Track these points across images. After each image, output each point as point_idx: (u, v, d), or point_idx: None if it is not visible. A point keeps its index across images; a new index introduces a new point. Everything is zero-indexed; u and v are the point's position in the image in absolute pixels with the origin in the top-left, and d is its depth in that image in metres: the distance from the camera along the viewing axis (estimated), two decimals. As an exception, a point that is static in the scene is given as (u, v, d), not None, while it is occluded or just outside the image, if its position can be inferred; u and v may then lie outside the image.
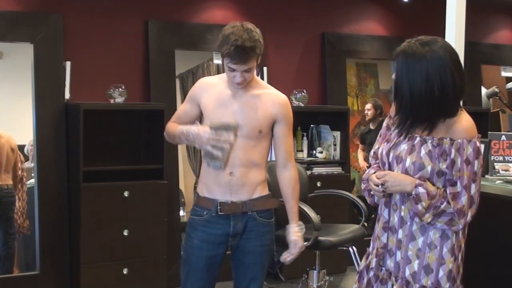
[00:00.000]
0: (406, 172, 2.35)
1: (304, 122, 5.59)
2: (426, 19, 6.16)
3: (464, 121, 2.34)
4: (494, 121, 6.40)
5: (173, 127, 2.95)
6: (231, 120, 2.77)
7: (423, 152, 2.33)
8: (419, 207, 2.29)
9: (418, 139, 2.36)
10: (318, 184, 5.25)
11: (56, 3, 4.78)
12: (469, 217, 2.32)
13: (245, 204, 2.88)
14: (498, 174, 3.56)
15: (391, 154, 2.42)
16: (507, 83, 6.18)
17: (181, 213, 5.19)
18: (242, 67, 2.77)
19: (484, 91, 6.35)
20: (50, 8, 4.74)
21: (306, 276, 4.29)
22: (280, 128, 2.92)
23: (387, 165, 2.42)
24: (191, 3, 5.29)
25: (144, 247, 4.67)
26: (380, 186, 2.38)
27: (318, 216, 3.92)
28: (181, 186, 5.28)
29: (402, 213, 2.39)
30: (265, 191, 2.95)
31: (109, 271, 4.57)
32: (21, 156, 4.79)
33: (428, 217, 2.31)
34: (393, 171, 2.40)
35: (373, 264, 2.49)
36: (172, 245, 4.68)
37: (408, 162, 2.35)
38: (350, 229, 4.23)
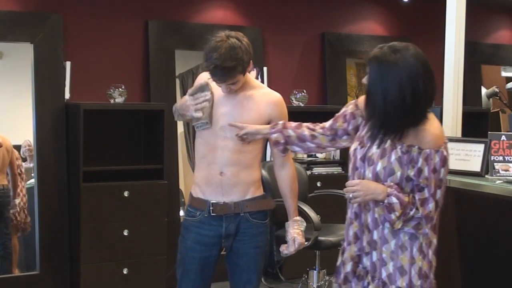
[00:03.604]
0: (376, 175, 2.41)
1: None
2: (426, 19, 6.17)
3: (433, 128, 2.38)
4: (494, 121, 6.40)
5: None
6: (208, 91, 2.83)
7: (393, 157, 2.38)
8: (392, 216, 2.36)
9: (389, 142, 2.40)
10: (318, 184, 5.25)
11: (56, 3, 4.78)
12: (434, 221, 2.41)
13: (238, 205, 2.87)
14: (498, 174, 3.56)
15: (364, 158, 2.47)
16: (507, 83, 6.18)
17: (181, 213, 5.18)
18: (225, 83, 2.77)
19: (484, 91, 6.35)
20: (50, 8, 4.74)
21: (306, 276, 4.29)
22: None
23: (359, 169, 2.47)
24: (191, 3, 5.30)
25: (144, 247, 4.67)
26: (350, 194, 2.45)
27: (318, 216, 3.92)
28: (181, 186, 5.28)
29: (376, 215, 2.45)
30: (259, 192, 2.93)
31: (109, 271, 4.57)
32: (17, 153, 4.79)
33: (398, 224, 2.38)
34: (364, 172, 2.45)
35: (349, 260, 2.54)
36: (172, 245, 4.66)
37: (379, 166, 2.40)
38: (350, 229, 4.22)
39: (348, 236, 2.56)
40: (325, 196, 4.72)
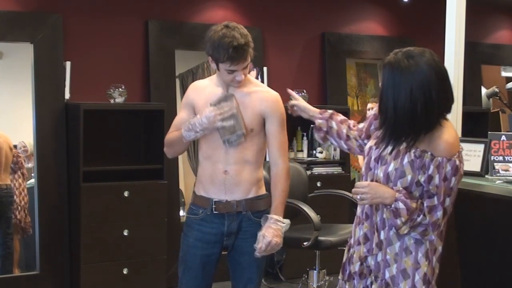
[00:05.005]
0: (387, 176, 2.39)
1: (304, 122, 5.52)
2: (426, 19, 6.17)
3: (448, 136, 2.35)
4: (494, 121, 6.40)
5: (172, 134, 2.99)
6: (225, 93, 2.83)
7: (406, 160, 2.36)
8: (398, 221, 2.35)
9: (404, 144, 2.38)
10: (318, 184, 5.25)
11: (56, 3, 4.78)
12: (441, 228, 2.40)
13: (240, 203, 2.88)
14: (498, 174, 3.56)
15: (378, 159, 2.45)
16: (507, 83, 6.17)
17: (181, 213, 5.19)
18: (242, 65, 2.78)
19: (484, 91, 6.35)
20: (50, 8, 4.74)
21: (306, 276, 4.29)
22: (270, 125, 2.90)
23: (372, 170, 2.45)
24: (191, 3, 5.29)
25: (144, 247, 4.67)
26: (358, 196, 2.41)
27: (318, 216, 3.92)
28: (181, 186, 5.28)
29: (384, 215, 2.42)
30: (261, 191, 2.94)
31: (109, 271, 4.57)
32: (21, 154, 4.80)
33: (404, 229, 2.37)
34: (375, 172, 2.43)
35: (357, 260, 2.52)
36: (172, 245, 4.68)
37: (391, 167, 2.38)
38: (350, 229, 4.20)
39: (356, 235, 2.53)
40: (325, 196, 4.72)
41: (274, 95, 2.94)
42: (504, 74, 6.89)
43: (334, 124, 2.75)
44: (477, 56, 6.51)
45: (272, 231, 2.82)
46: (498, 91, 5.44)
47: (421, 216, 2.34)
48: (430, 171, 2.32)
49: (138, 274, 4.66)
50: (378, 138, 2.46)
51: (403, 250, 2.40)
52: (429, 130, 2.34)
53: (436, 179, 2.32)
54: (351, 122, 2.76)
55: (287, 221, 2.89)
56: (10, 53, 4.79)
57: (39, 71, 4.62)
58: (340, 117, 2.78)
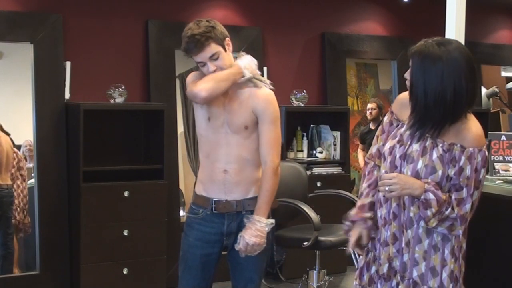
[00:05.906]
0: (416, 173, 2.35)
1: (304, 122, 5.58)
2: (426, 19, 6.17)
3: (474, 127, 2.36)
4: (494, 121, 6.40)
5: (217, 74, 2.84)
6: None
7: (434, 155, 2.33)
8: (428, 212, 2.31)
9: (429, 140, 2.35)
10: (318, 184, 5.25)
11: (56, 3, 4.78)
12: (467, 223, 2.37)
13: (240, 203, 2.88)
14: (498, 174, 3.56)
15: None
16: (507, 83, 6.18)
17: (181, 213, 5.19)
18: (203, 55, 2.80)
19: (484, 91, 6.35)
20: (50, 8, 4.74)
21: (306, 276, 4.29)
22: (260, 123, 2.88)
23: (399, 168, 2.40)
24: (191, 3, 5.30)
25: (144, 247, 4.67)
26: (386, 187, 2.35)
27: (318, 216, 3.92)
28: (181, 186, 5.28)
29: (411, 214, 2.39)
30: None
31: (109, 271, 4.57)
32: (20, 154, 4.80)
33: (433, 222, 2.32)
34: (403, 171, 2.39)
35: (382, 259, 2.47)
36: (172, 245, 4.68)
37: (420, 164, 2.35)
38: (350, 229, 4.22)
39: (382, 237, 2.47)
40: (325, 196, 4.72)
41: (267, 92, 2.91)
42: (504, 74, 6.89)
43: (365, 200, 2.58)
44: (477, 56, 6.48)
45: (250, 232, 2.80)
46: (498, 91, 5.45)
47: (449, 209, 2.30)
48: (461, 163, 2.30)
49: (138, 274, 4.66)
50: (400, 136, 2.42)
51: (432, 247, 2.37)
52: (455, 120, 2.33)
53: (468, 171, 2.30)
54: (366, 176, 2.62)
55: (269, 221, 2.84)
56: (10, 53, 4.79)
57: (39, 71, 4.62)
58: (361, 200, 2.62)
